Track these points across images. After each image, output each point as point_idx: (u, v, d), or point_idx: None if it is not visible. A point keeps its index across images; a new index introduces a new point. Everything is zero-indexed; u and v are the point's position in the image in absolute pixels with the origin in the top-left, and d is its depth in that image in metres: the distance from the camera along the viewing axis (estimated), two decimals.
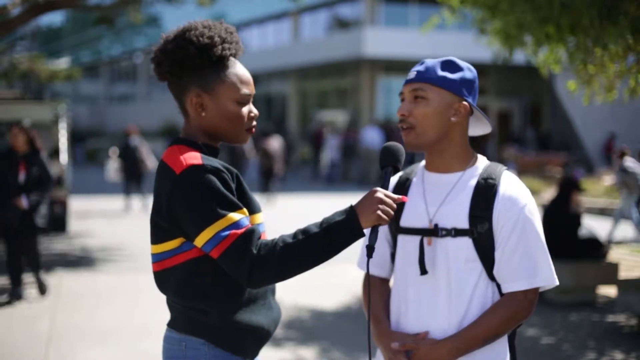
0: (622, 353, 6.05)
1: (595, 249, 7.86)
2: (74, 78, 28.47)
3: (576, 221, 7.95)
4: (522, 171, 20.51)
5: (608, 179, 14.56)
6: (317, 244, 2.12)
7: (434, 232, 2.40)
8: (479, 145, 24.17)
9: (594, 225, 10.08)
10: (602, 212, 14.99)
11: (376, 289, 2.56)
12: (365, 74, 27.89)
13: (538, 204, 13.28)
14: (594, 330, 6.72)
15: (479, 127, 2.54)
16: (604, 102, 6.94)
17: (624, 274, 7.78)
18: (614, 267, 7.68)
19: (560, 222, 7.88)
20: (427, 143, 2.40)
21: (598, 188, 17.18)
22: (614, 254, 8.38)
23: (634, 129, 26.59)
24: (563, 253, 7.74)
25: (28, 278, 8.76)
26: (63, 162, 12.48)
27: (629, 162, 12.23)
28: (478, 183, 2.40)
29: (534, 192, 17.02)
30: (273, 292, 2.38)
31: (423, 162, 2.54)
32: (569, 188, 8.07)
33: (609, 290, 8.00)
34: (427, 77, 2.39)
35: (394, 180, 2.58)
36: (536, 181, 18.31)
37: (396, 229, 2.49)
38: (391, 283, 2.61)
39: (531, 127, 28.80)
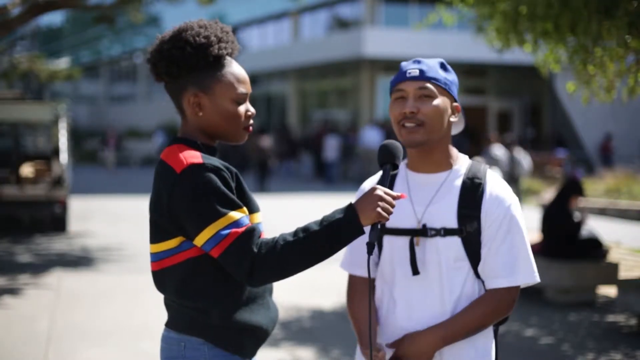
0: (622, 353, 6.05)
1: (595, 249, 7.86)
2: (74, 78, 28.51)
3: (576, 222, 7.93)
4: None
5: None
6: (317, 242, 2.13)
7: (423, 232, 2.41)
8: (480, 146, 24.16)
9: (594, 225, 10.08)
10: (602, 212, 15.00)
11: (362, 292, 2.56)
12: (365, 74, 27.89)
13: (537, 204, 13.29)
14: (594, 330, 6.72)
15: (454, 128, 2.58)
16: (603, 102, 6.94)
17: (624, 274, 7.78)
18: (614, 267, 7.68)
19: (560, 222, 7.88)
20: (432, 140, 2.42)
21: (598, 188, 17.18)
22: (614, 254, 8.38)
23: (633, 129, 26.59)
24: (563, 253, 7.74)
25: (27, 278, 8.77)
26: (63, 162, 12.48)
27: (496, 149, 13.63)
28: (464, 182, 2.44)
29: (534, 192, 17.05)
30: (270, 291, 2.39)
31: (403, 163, 2.55)
32: (570, 190, 8.04)
33: (609, 290, 8.00)
34: (432, 76, 2.41)
35: (374, 180, 2.58)
36: (536, 181, 18.31)
37: (382, 230, 2.49)
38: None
39: (531, 126, 28.81)
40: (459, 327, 2.36)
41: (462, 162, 2.49)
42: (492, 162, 13.36)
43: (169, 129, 33.69)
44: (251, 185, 21.85)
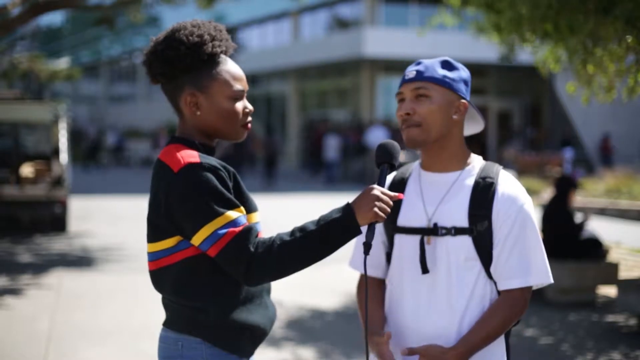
0: (621, 353, 6.05)
1: (595, 249, 7.85)
2: (74, 78, 28.51)
3: (578, 223, 7.92)
4: (522, 171, 20.52)
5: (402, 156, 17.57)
6: (314, 241, 2.12)
7: (434, 231, 2.40)
8: (481, 145, 24.17)
9: (594, 225, 10.08)
10: (602, 212, 15.00)
11: (372, 290, 2.57)
12: (365, 74, 27.89)
13: (537, 204, 13.28)
14: (593, 330, 6.72)
15: (472, 126, 2.58)
16: (603, 102, 6.94)
17: (624, 274, 7.78)
18: (614, 267, 7.68)
19: (561, 223, 7.87)
20: (430, 140, 2.41)
21: (598, 188, 17.18)
22: (614, 254, 8.38)
23: (633, 129, 26.59)
24: (563, 253, 7.74)
25: (28, 278, 8.77)
26: (63, 162, 12.48)
27: None
28: (476, 182, 2.42)
29: (534, 192, 17.03)
30: (268, 291, 2.38)
31: (417, 162, 2.56)
32: (566, 187, 8.05)
33: (609, 290, 8.00)
34: (428, 76, 2.41)
35: (388, 180, 2.58)
36: (536, 181, 18.31)
37: (393, 229, 2.49)
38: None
39: (531, 127, 28.82)
40: (481, 338, 2.34)
41: (475, 163, 2.48)
42: (414, 156, 15.10)
43: (169, 130, 33.83)
44: (258, 181, 22.57)
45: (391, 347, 2.45)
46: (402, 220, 2.46)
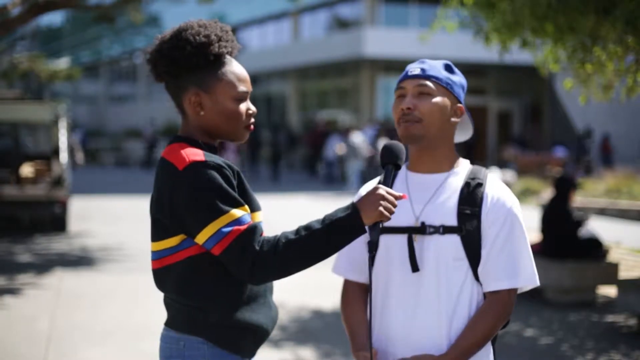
0: (621, 353, 6.05)
1: (595, 249, 7.85)
2: (74, 78, 28.53)
3: (576, 221, 7.92)
4: (522, 171, 20.51)
5: (339, 149, 20.00)
6: (319, 240, 2.13)
7: (421, 229, 2.39)
8: (468, 147, 24.15)
9: (594, 225, 10.08)
10: (602, 212, 14.99)
11: (356, 298, 2.55)
12: (365, 74, 27.89)
13: (537, 204, 13.28)
14: (593, 330, 6.72)
15: (461, 133, 2.59)
16: (601, 101, 6.94)
17: (624, 274, 7.77)
18: (614, 267, 7.67)
19: (560, 222, 7.87)
20: (428, 137, 2.41)
21: (598, 188, 17.17)
22: (614, 254, 8.37)
23: (633, 129, 26.59)
24: (563, 253, 7.74)
25: (28, 278, 8.76)
26: (63, 162, 12.48)
27: (355, 137, 17.61)
28: (466, 183, 2.43)
29: (534, 192, 17.04)
30: (271, 291, 2.38)
31: (405, 164, 2.55)
32: (566, 187, 8.05)
33: (609, 290, 8.00)
34: (432, 75, 2.43)
35: (374, 182, 2.58)
36: (536, 181, 18.30)
37: (380, 229, 2.48)
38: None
39: (531, 126, 28.81)
40: (472, 344, 2.33)
41: (462, 165, 2.49)
42: (352, 148, 17.47)
43: (169, 130, 33.82)
44: (265, 176, 23.32)
45: (379, 354, 2.43)
46: (389, 221, 2.43)
